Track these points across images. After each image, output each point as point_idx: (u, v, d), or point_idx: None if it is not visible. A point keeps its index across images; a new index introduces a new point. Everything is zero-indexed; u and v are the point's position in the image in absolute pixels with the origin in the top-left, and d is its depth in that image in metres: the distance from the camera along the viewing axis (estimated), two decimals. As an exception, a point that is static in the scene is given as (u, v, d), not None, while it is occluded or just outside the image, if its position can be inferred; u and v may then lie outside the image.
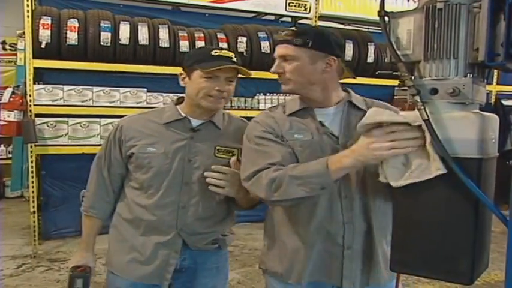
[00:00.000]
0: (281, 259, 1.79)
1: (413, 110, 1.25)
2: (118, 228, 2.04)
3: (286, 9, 5.93)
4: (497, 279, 4.15)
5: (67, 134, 4.76)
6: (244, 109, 5.50)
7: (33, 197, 4.76)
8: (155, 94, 5.12)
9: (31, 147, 4.63)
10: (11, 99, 4.68)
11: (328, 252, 1.72)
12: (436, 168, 1.22)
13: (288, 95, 5.78)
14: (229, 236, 2.12)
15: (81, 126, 4.81)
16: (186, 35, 5.13)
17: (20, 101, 4.62)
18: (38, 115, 4.67)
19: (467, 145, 1.20)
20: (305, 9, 5.99)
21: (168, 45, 4.98)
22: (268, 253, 1.87)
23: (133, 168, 1.98)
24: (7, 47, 7.84)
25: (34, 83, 4.66)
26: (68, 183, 5.17)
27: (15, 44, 7.20)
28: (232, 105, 5.46)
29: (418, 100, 1.21)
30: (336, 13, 6.24)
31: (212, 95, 1.90)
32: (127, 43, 4.82)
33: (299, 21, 6.33)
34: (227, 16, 5.91)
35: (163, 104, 4.87)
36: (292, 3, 5.94)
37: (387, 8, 1.30)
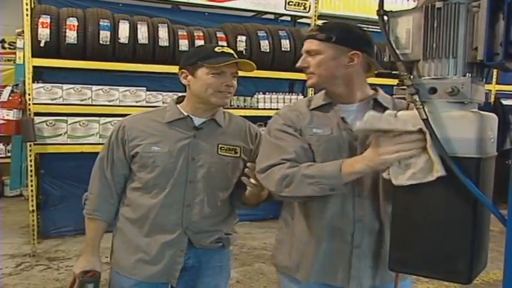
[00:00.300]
0: (290, 253, 1.81)
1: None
2: (122, 229, 2.03)
3: (285, 8, 5.92)
4: (496, 278, 4.15)
5: (66, 132, 4.75)
6: (244, 108, 5.50)
7: (32, 196, 4.75)
8: (154, 93, 5.11)
9: (30, 146, 4.63)
10: (10, 98, 4.67)
11: (336, 249, 1.71)
12: (436, 171, 1.23)
13: (288, 93, 5.83)
14: (232, 234, 2.13)
15: (80, 125, 4.80)
16: (185, 34, 5.13)
17: (19, 99, 4.61)
18: (37, 114, 4.66)
19: (466, 144, 1.20)
20: (304, 8, 5.99)
21: (168, 44, 4.97)
22: (279, 247, 1.89)
23: (137, 168, 1.97)
24: (6, 45, 7.82)
25: (33, 82, 4.65)
26: (67, 182, 5.18)
27: (14, 43, 7.22)
28: (232, 104, 5.45)
29: (417, 99, 1.21)
30: (335, 12, 6.23)
31: (221, 90, 1.91)
32: (126, 42, 4.81)
33: (299, 21, 6.33)
34: (226, 15, 5.91)
35: (163, 103, 4.87)
36: (292, 2, 5.93)
37: (386, 7, 1.30)
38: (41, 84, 4.72)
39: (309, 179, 1.58)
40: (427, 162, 1.26)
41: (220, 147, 1.99)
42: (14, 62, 7.33)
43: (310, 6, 5.99)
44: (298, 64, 1.76)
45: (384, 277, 1.73)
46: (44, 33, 4.53)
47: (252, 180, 1.84)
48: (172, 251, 1.96)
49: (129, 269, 1.99)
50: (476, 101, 1.26)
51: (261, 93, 5.70)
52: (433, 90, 1.23)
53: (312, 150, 1.70)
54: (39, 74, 4.96)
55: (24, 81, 4.68)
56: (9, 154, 7.37)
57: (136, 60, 4.91)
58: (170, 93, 4.91)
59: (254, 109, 5.57)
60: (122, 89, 4.97)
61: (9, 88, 4.86)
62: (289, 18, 6.37)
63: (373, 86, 1.83)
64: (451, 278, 1.28)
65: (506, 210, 1.06)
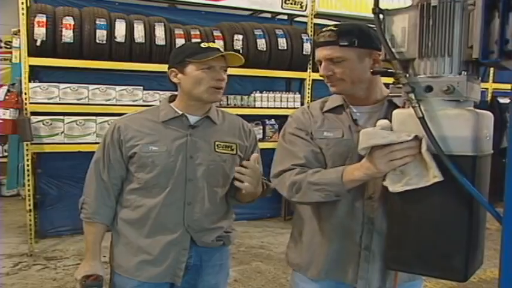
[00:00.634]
0: (302, 252, 1.82)
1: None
2: (121, 231, 2.01)
3: (282, 7, 5.92)
4: (493, 276, 4.16)
5: (63, 132, 4.74)
6: (241, 107, 5.49)
7: (29, 196, 4.75)
8: (151, 92, 5.11)
9: (27, 145, 4.62)
10: (7, 97, 4.67)
11: (346, 250, 1.72)
12: (433, 176, 1.23)
13: (285, 92, 5.82)
14: (232, 232, 2.14)
15: (77, 124, 4.79)
16: (182, 32, 5.12)
17: (16, 99, 4.61)
18: (33, 113, 4.65)
19: (461, 142, 1.20)
20: (301, 7, 5.99)
21: (164, 43, 4.96)
22: (292, 246, 1.90)
23: (136, 168, 1.96)
24: (2, 44, 7.78)
25: (30, 81, 4.64)
26: (64, 182, 5.18)
27: (11, 42, 7.19)
28: (229, 103, 5.46)
29: (413, 97, 1.21)
30: (332, 11, 6.22)
31: (212, 85, 1.91)
32: (123, 41, 4.80)
33: (295, 19, 6.32)
34: (223, 14, 5.90)
35: (160, 102, 4.84)
36: (289, 0, 5.93)
37: (382, 5, 1.30)
38: (37, 84, 4.71)
39: (314, 186, 1.60)
40: (422, 167, 1.26)
41: (217, 145, 2.00)
42: (10, 61, 7.29)
43: (306, 4, 5.99)
44: (321, 72, 1.71)
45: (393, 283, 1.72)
46: (40, 32, 4.52)
47: (246, 184, 1.86)
48: (175, 251, 1.96)
49: (131, 270, 1.97)
50: (472, 99, 1.26)
51: (257, 92, 5.70)
52: (429, 89, 1.23)
53: (323, 154, 1.71)
54: (36, 73, 4.96)
55: (20, 81, 4.68)
56: (6, 154, 7.35)
57: (133, 59, 4.92)
58: (167, 92, 4.88)
59: (251, 108, 5.57)
60: (118, 88, 4.96)
61: (5, 87, 4.87)
62: (285, 17, 6.36)
63: (388, 85, 1.82)
64: (447, 276, 1.28)
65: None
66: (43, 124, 4.66)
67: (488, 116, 1.28)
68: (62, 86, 4.77)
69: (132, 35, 4.85)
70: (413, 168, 1.29)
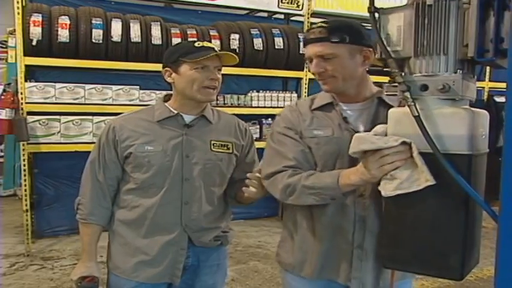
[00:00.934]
0: (294, 251, 1.81)
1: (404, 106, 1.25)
2: (118, 232, 2.00)
3: (278, 6, 5.91)
4: (490, 274, 4.17)
5: (59, 132, 4.72)
6: (237, 106, 5.49)
7: (25, 196, 4.73)
8: (148, 91, 5.10)
9: (23, 145, 4.61)
10: (2, 97, 4.64)
11: (338, 248, 1.72)
12: (425, 180, 1.24)
13: (282, 92, 5.82)
14: (230, 232, 2.13)
15: (73, 124, 4.78)
16: (178, 32, 5.11)
17: (12, 98, 4.58)
18: (29, 113, 4.63)
19: (457, 141, 1.20)
20: (298, 6, 5.98)
21: (161, 43, 4.95)
22: (283, 245, 1.89)
23: (132, 168, 1.95)
24: (-2, 44, 7.78)
25: (26, 81, 4.63)
26: (61, 182, 5.17)
27: (6, 42, 7.17)
28: (226, 102, 5.45)
29: (408, 96, 1.21)
30: (328, 10, 6.22)
31: (206, 85, 1.90)
32: (119, 40, 4.79)
33: (292, 18, 6.32)
34: (220, 13, 5.90)
35: (156, 101, 4.85)
36: (285, 0, 5.93)
37: (378, 4, 1.30)
38: (33, 83, 4.69)
39: (309, 190, 1.60)
40: (413, 171, 1.27)
41: (213, 144, 1.99)
42: (6, 61, 7.27)
43: (303, 4, 5.99)
44: (313, 70, 1.69)
45: (387, 279, 1.71)
46: (35, 31, 4.51)
47: (254, 189, 1.84)
48: (173, 251, 1.95)
49: (129, 271, 1.96)
50: (468, 97, 1.26)
51: (254, 91, 5.69)
52: (425, 87, 1.23)
53: (312, 154, 1.70)
54: (32, 73, 4.95)
55: (16, 80, 4.65)
56: (2, 154, 7.33)
57: (129, 58, 4.90)
58: (164, 92, 4.83)
59: (248, 107, 5.56)
60: (115, 87, 4.95)
61: (1, 87, 4.84)
62: (282, 16, 6.36)
63: (378, 84, 1.81)
64: (443, 275, 1.29)
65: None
66: (39, 124, 4.65)
67: (484, 115, 1.28)
68: (58, 85, 4.75)
69: (128, 35, 4.84)
70: (405, 173, 1.30)
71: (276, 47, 5.50)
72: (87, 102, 4.83)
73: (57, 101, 4.73)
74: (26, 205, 4.70)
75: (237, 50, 5.25)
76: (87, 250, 2.00)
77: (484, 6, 1.14)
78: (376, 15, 1.30)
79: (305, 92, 5.86)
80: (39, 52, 4.57)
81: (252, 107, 5.60)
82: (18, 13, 4.51)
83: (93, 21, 4.70)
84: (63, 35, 4.59)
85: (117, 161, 1.97)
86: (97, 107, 4.86)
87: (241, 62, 4.95)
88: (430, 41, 1.21)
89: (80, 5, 4.97)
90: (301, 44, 5.61)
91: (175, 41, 5.00)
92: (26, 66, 4.61)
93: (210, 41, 5.16)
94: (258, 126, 5.66)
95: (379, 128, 1.37)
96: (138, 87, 5.07)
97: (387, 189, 1.33)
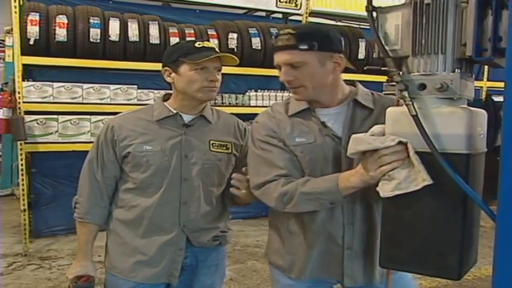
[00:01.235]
0: (283, 254, 1.81)
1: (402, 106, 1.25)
2: (116, 231, 2.00)
3: (277, 6, 5.91)
4: (488, 274, 4.17)
5: (57, 131, 4.72)
6: (236, 106, 5.49)
7: (23, 195, 4.72)
8: (146, 91, 5.10)
9: (21, 144, 4.60)
10: (0, 96, 4.64)
11: (329, 251, 1.72)
12: (422, 180, 1.24)
13: (280, 91, 5.82)
14: (228, 232, 2.13)
15: (71, 123, 4.77)
16: (176, 31, 5.11)
17: (9, 98, 4.57)
18: (27, 112, 4.63)
19: (455, 140, 1.20)
20: (296, 6, 5.98)
21: (159, 42, 4.95)
22: (271, 247, 1.89)
23: (130, 168, 1.94)
24: (-5, 43, 7.77)
25: (23, 80, 4.62)
26: (59, 181, 5.15)
27: (3, 41, 7.16)
28: (224, 101, 5.45)
29: (406, 95, 1.20)
30: (326, 9, 6.23)
31: (205, 85, 1.90)
32: (117, 39, 4.78)
33: (290, 18, 6.32)
34: (218, 12, 5.89)
35: (154, 100, 4.83)
36: (283, -1, 5.93)
37: (375, 3, 1.30)
38: (31, 83, 4.69)
39: (308, 196, 1.58)
40: (410, 171, 1.27)
41: (212, 144, 1.98)
42: (4, 60, 7.26)
43: (301, 3, 5.98)
44: (282, 78, 1.65)
45: (380, 277, 1.74)
46: (33, 31, 4.50)
47: (243, 191, 1.83)
48: (171, 251, 1.95)
49: (127, 271, 1.96)
50: (466, 97, 1.26)
51: (252, 90, 5.69)
52: (423, 87, 1.23)
53: (299, 161, 1.69)
54: (29, 72, 4.93)
55: (14, 80, 4.65)
56: (-1, 153, 7.33)
57: (127, 58, 4.90)
58: (162, 91, 4.83)
59: (246, 107, 5.56)
60: (113, 87, 4.95)
61: (-2, 86, 4.83)
62: (280, 16, 6.36)
63: (350, 81, 1.80)
64: (441, 274, 1.28)
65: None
66: (37, 123, 4.64)
67: (482, 114, 1.28)
68: (56, 85, 4.75)
69: (126, 34, 4.83)
70: (402, 173, 1.29)
71: (274, 46, 5.49)
72: (85, 101, 4.83)
73: (55, 101, 4.73)
74: (24, 205, 4.69)
75: (235, 50, 5.25)
76: (83, 249, 1.99)
77: (482, 5, 1.14)
78: (374, 14, 1.30)
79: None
80: (36, 51, 4.56)
81: (250, 106, 5.60)
82: (16, 12, 4.50)
83: (91, 21, 4.69)
84: (61, 34, 4.58)
85: (115, 160, 1.96)
86: (95, 106, 4.85)
87: (240, 61, 4.94)
88: (428, 40, 1.21)
89: (78, 4, 4.96)
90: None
91: (173, 40, 4.99)
92: (24, 65, 4.60)
93: (209, 41, 5.16)
94: (256, 126, 5.64)
95: (376, 128, 1.36)
96: (136, 86, 5.06)
97: (385, 189, 1.33)
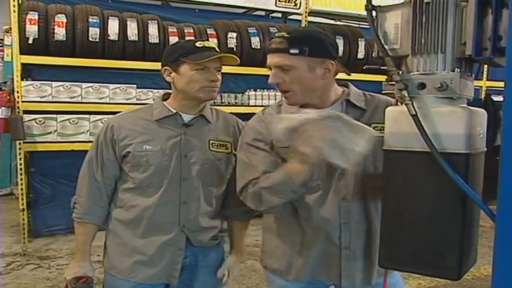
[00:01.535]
0: (279, 257, 1.81)
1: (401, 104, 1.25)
2: (115, 231, 1.99)
3: (276, 5, 5.91)
4: (487, 273, 4.17)
5: (56, 130, 4.72)
6: (235, 105, 5.49)
7: (22, 195, 4.72)
8: (145, 90, 5.10)
9: (20, 144, 4.60)
10: (-2, 95, 4.64)
11: (326, 251, 1.72)
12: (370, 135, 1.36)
13: (278, 91, 5.81)
14: (227, 232, 2.13)
15: (70, 122, 4.77)
16: (175, 30, 5.11)
17: (8, 97, 4.57)
18: (26, 112, 4.63)
19: (455, 140, 1.19)
20: (295, 5, 5.98)
21: (158, 41, 4.95)
22: (266, 251, 1.89)
23: (130, 168, 1.94)
24: (-6, 42, 7.76)
25: (22, 79, 4.62)
26: (58, 181, 5.15)
27: (2, 40, 7.16)
28: (223, 101, 5.44)
29: (406, 95, 1.20)
30: (326, 9, 6.22)
31: (206, 85, 1.89)
32: (116, 39, 4.78)
33: (289, 17, 6.31)
34: (217, 12, 5.89)
35: (154, 100, 4.84)
36: (283, -2, 5.93)
37: (375, 2, 1.29)
38: (29, 82, 4.69)
39: (269, 190, 1.62)
40: (349, 135, 1.37)
41: (212, 143, 1.98)
42: (2, 59, 7.26)
43: (300, 2, 5.98)
44: (270, 80, 1.68)
45: (378, 278, 1.74)
46: (32, 30, 4.50)
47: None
48: (171, 251, 1.94)
49: (126, 272, 1.95)
50: (465, 96, 1.25)
51: (252, 90, 5.69)
52: (422, 86, 1.22)
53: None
54: (28, 72, 4.93)
55: (12, 79, 4.64)
56: (-2, 152, 7.32)
57: (126, 57, 4.90)
58: (161, 91, 4.86)
59: (245, 106, 5.57)
60: (112, 86, 4.95)
61: (-3, 86, 4.82)
62: (279, 15, 6.36)
63: (344, 82, 1.81)
64: (440, 274, 1.28)
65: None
66: (36, 123, 4.64)
67: (482, 114, 1.27)
68: (55, 84, 4.75)
69: (125, 33, 4.83)
70: (342, 139, 1.36)
71: (274, 45, 5.49)
72: (83, 101, 4.84)
73: (54, 100, 4.73)
74: (23, 204, 4.69)
75: (235, 49, 5.25)
76: (82, 249, 1.99)
77: (482, 3, 1.13)
78: (374, 13, 1.30)
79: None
80: (35, 50, 4.56)
81: (249, 105, 5.60)
82: (14, 11, 4.50)
83: (90, 20, 4.69)
84: (60, 33, 4.58)
85: (114, 160, 1.95)
86: (94, 105, 4.86)
87: (239, 60, 4.94)
88: (428, 39, 1.20)
89: (77, 3, 4.97)
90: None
91: (173, 39, 4.99)
92: (22, 64, 4.60)
93: (208, 40, 5.15)
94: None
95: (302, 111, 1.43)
96: (135, 85, 5.07)
97: (341, 161, 1.40)
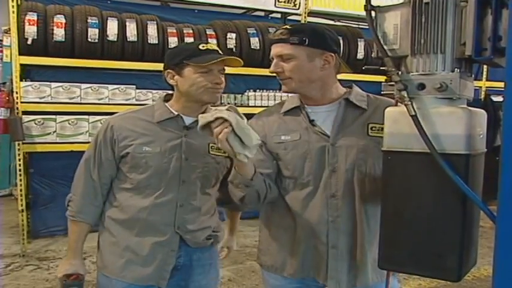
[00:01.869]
0: (274, 254, 1.83)
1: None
2: (110, 231, 1.98)
3: (275, 5, 5.91)
4: (487, 274, 4.17)
5: (55, 131, 4.71)
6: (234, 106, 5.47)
7: (21, 196, 4.71)
8: (144, 91, 5.09)
9: (19, 145, 4.59)
10: (-3, 96, 4.63)
11: (315, 249, 1.74)
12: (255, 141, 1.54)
13: (279, 91, 5.82)
14: (220, 232, 2.13)
15: (69, 123, 4.77)
16: (174, 31, 5.11)
17: (7, 98, 4.57)
18: (25, 112, 4.62)
19: (454, 141, 1.19)
20: (294, 5, 5.98)
21: (157, 42, 4.95)
22: (262, 248, 1.91)
23: (128, 168, 1.93)
24: (-7, 43, 7.75)
25: (21, 80, 4.62)
26: (57, 181, 5.14)
27: (1, 41, 7.14)
28: (222, 101, 5.43)
29: (405, 95, 1.20)
30: (325, 9, 6.23)
31: (210, 87, 1.89)
32: (115, 39, 4.78)
33: (289, 18, 6.31)
34: (216, 12, 5.89)
35: (153, 100, 4.84)
36: (282, -1, 5.93)
37: (374, 2, 1.29)
38: (28, 83, 4.69)
39: (230, 184, 1.73)
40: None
41: (211, 147, 1.97)
42: (1, 60, 7.25)
43: (300, 3, 5.98)
44: (271, 69, 1.75)
45: (364, 278, 1.75)
46: (31, 30, 4.49)
47: None
48: (163, 252, 1.93)
49: (117, 271, 1.94)
50: (465, 96, 1.25)
51: (251, 90, 5.69)
52: (422, 86, 1.22)
53: (279, 159, 1.76)
54: (27, 72, 4.93)
55: (11, 80, 4.64)
56: (-3, 153, 7.31)
57: (125, 57, 4.90)
58: (160, 91, 4.87)
59: (245, 107, 5.55)
60: (111, 87, 4.95)
61: (-4, 87, 4.82)
62: (279, 15, 6.35)
63: (349, 83, 1.84)
64: (440, 276, 1.27)
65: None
66: (35, 123, 4.63)
67: (482, 114, 1.27)
68: (54, 85, 4.75)
69: (124, 34, 4.83)
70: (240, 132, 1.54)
71: (273, 46, 5.49)
72: (83, 101, 4.83)
73: (53, 101, 4.73)
74: (22, 205, 4.69)
75: (234, 49, 5.25)
76: (73, 248, 1.99)
77: (481, 4, 1.13)
78: (373, 13, 1.29)
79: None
80: (34, 51, 4.56)
81: (249, 106, 5.59)
82: (13, 12, 4.50)
83: (89, 20, 4.69)
84: (59, 34, 4.58)
85: (113, 159, 1.95)
86: (93, 106, 4.85)
87: (242, 62, 4.94)
88: (427, 40, 1.20)
89: (76, 4, 4.96)
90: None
91: (172, 40, 4.99)
92: (21, 65, 4.60)
93: (207, 40, 5.16)
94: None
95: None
96: (134, 86, 5.06)
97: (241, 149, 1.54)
